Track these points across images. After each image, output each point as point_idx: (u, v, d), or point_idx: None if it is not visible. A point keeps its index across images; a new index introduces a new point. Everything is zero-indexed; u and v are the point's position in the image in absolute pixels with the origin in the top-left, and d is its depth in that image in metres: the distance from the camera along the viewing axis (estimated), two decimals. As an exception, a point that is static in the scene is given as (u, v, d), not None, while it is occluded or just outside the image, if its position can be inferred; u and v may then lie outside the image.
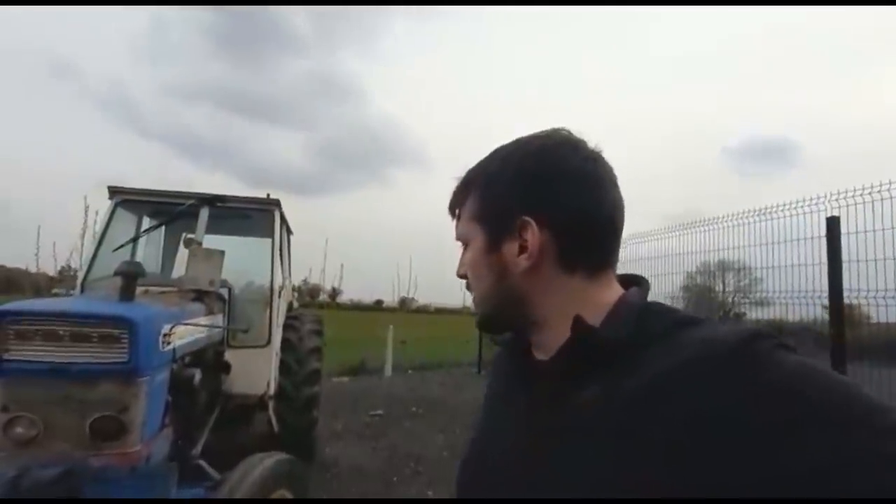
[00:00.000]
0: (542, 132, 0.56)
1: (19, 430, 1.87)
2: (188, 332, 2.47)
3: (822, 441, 0.35)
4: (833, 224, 2.47)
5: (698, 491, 0.38)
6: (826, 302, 2.69)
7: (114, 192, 3.43)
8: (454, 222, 0.61)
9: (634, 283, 0.56)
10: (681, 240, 4.49)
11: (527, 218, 0.52)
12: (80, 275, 3.16)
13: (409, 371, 9.83)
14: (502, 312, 0.56)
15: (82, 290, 3.10)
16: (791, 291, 3.13)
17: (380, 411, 6.26)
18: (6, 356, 1.85)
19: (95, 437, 1.92)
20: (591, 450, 0.44)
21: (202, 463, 2.32)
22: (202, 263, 2.94)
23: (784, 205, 3.18)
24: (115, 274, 2.12)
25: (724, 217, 3.90)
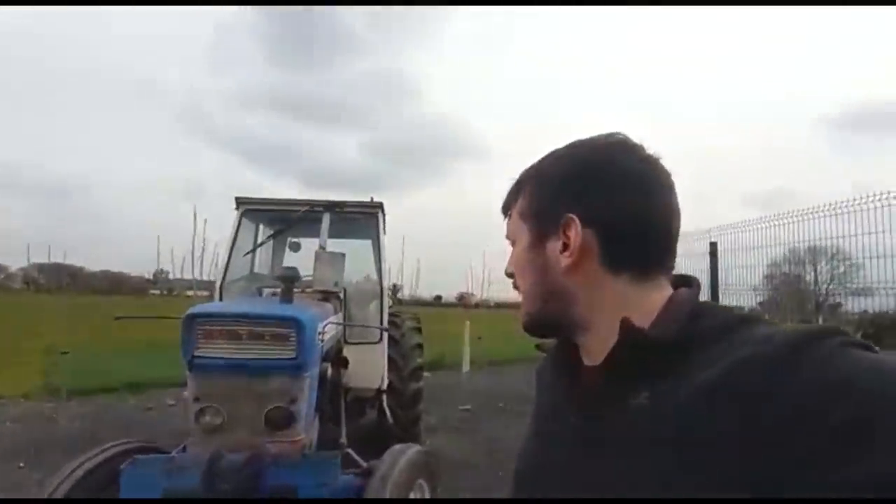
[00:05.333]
0: (599, 135, 0.56)
1: (207, 418, 2.11)
2: (329, 331, 2.66)
3: None
4: None
5: (760, 494, 0.36)
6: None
7: (240, 202, 3.74)
8: (505, 221, 0.61)
9: (685, 283, 0.54)
10: (773, 230, 4.08)
11: (571, 215, 0.52)
12: (218, 280, 3.47)
13: (487, 366, 9.92)
14: (546, 311, 0.55)
15: (221, 294, 3.42)
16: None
17: (468, 406, 6.38)
18: (197, 353, 2.09)
19: (270, 425, 2.12)
20: (647, 458, 0.43)
21: (350, 451, 2.50)
22: (327, 266, 3.15)
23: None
24: (277, 279, 2.33)
25: (831, 205, 3.53)
